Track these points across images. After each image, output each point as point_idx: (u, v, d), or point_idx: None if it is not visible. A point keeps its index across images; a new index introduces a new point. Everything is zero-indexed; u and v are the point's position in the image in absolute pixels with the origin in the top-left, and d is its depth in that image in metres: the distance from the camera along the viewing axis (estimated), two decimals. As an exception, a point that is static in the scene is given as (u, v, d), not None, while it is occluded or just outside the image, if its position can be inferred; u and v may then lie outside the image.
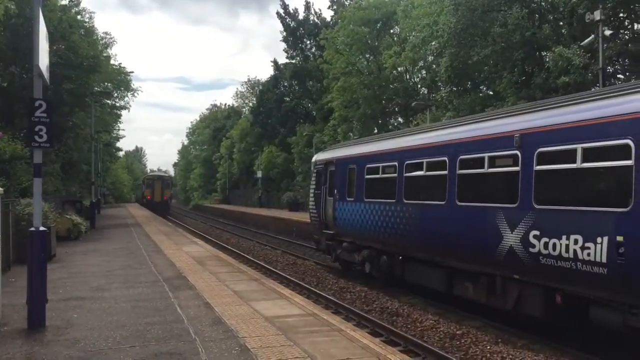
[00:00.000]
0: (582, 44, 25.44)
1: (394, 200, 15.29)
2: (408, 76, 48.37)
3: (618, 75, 29.55)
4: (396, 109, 48.48)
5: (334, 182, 19.75)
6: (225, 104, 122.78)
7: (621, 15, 29.73)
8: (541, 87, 27.57)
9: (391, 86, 47.32)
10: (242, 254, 26.02)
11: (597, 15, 22.93)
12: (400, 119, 48.79)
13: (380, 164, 16.46)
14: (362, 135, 40.35)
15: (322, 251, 22.18)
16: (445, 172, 13.11)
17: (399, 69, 46.60)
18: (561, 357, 10.17)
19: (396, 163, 15.45)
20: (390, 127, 47.82)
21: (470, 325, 12.45)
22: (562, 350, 10.56)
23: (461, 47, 31.00)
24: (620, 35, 29.84)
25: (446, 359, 10.05)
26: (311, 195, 22.46)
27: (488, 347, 10.66)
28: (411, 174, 14.82)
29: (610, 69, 28.94)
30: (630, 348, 9.86)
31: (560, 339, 10.95)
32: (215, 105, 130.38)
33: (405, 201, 14.78)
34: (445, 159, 13.19)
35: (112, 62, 50.85)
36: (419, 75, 48.00)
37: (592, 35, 24.26)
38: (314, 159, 22.94)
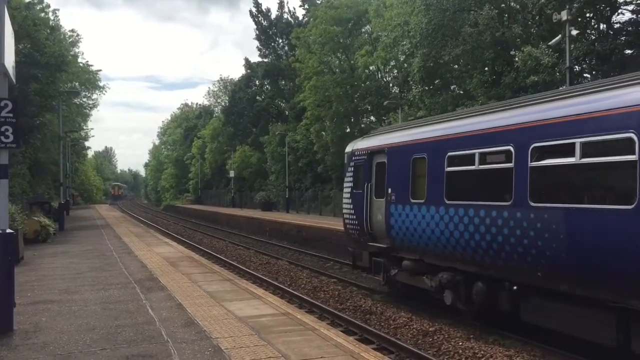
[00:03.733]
0: (550, 43, 25.94)
1: (507, 203, 10.46)
2: (380, 75, 48.58)
3: (585, 75, 30.18)
4: (368, 107, 48.66)
5: (386, 177, 14.67)
6: (197, 103, 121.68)
7: (587, 15, 30.39)
8: (510, 86, 27.96)
9: (363, 85, 47.48)
10: (215, 254, 25.83)
11: (564, 15, 23.40)
12: (372, 118, 49.00)
13: (477, 150, 11.41)
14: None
15: (364, 270, 16.94)
16: (635, 156, 8.20)
17: (371, 68, 46.75)
18: (531, 352, 10.34)
19: (512, 147, 10.48)
20: (363, 126, 47.95)
21: (442, 322, 12.58)
22: (532, 344, 10.74)
23: (433, 47, 31.27)
24: (586, 35, 30.57)
25: (419, 355, 10.14)
26: (346, 195, 17.12)
27: (460, 343, 10.78)
28: (549, 162, 9.84)
29: (577, 68, 29.50)
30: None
31: (531, 335, 11.12)
32: (186, 105, 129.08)
33: (534, 204, 9.87)
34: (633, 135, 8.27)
35: (79, 60, 50.00)
36: (391, 74, 48.25)
37: (560, 35, 24.79)
38: (349, 149, 17.47)
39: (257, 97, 71.00)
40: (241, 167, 70.22)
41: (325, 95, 48.26)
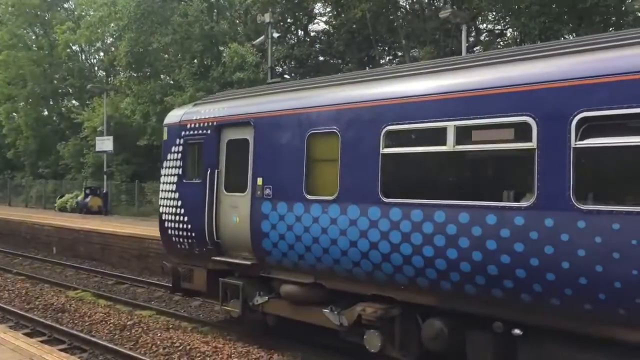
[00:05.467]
0: (254, 43, 27.29)
1: (524, 204, 6.50)
2: (84, 57, 45.37)
3: (285, 76, 32.29)
4: (70, 90, 45.02)
5: (252, 163, 9.82)
6: None
7: (289, 20, 33.03)
8: (218, 80, 28.61)
9: (65, 65, 43.71)
10: None
11: (267, 17, 24.88)
12: (74, 102, 45.43)
13: (456, 122, 7.12)
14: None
15: (193, 294, 11.99)
16: None
17: (73, 47, 43.34)
18: (227, 336, 10.71)
19: (531, 119, 6.47)
20: (63, 109, 44.11)
21: (141, 315, 12.24)
22: (229, 330, 11.15)
23: (141, 32, 30.38)
24: (287, 39, 33.25)
25: (114, 350, 9.68)
26: (168, 187, 11.46)
27: (159, 334, 10.60)
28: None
29: (279, 69, 31.66)
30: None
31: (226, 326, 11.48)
32: None
33: (582, 206, 6.07)
34: None
35: None
36: (97, 56, 45.44)
37: (263, 36, 26.23)
38: (173, 120, 11.73)
39: None
40: None
41: (19, 73, 43.16)
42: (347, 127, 8.34)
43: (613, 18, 23.31)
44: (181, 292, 11.83)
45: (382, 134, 7.87)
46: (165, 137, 11.73)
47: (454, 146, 7.13)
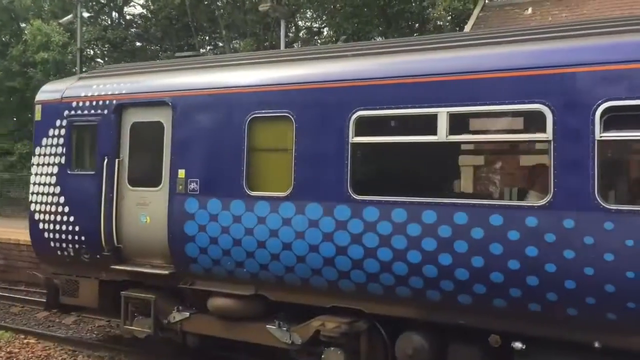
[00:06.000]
0: (61, 21, 25.39)
1: (538, 203, 5.84)
2: None
3: (97, 59, 31.07)
4: None
5: (170, 150, 8.05)
6: None
7: (102, 0, 31.89)
8: (18, 59, 26.43)
9: None
10: None
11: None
12: None
13: (449, 108, 6.26)
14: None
15: (78, 310, 10.30)
16: None
17: None
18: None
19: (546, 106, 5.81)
20: None
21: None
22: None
23: None
24: (100, 21, 31.90)
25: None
26: (44, 180, 9.12)
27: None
28: None
29: (90, 52, 30.45)
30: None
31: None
32: None
33: (610, 205, 5.56)
34: None
35: None
36: None
37: (72, 15, 24.40)
38: (51, 96, 9.35)
39: None
40: None
41: None
42: (304, 110, 7.04)
43: (417, 24, 25.48)
44: (58, 309, 9.78)
45: (352, 120, 6.73)
46: (38, 117, 9.40)
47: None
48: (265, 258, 7.16)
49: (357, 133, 6.70)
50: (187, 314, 8.07)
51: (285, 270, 7.07)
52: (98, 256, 8.49)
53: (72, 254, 8.80)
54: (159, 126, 8.18)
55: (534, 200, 6.01)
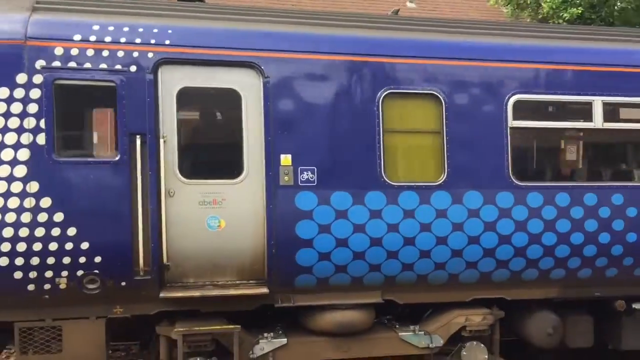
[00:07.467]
0: None
1: None
2: None
3: None
4: None
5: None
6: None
7: None
8: None
9: None
10: None
11: None
12: None
13: None
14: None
15: None
16: None
17: None
18: None
19: None
20: None
21: None
22: None
23: None
24: None
25: None
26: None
27: None
28: None
29: None
30: None
31: None
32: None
33: None
34: None
35: None
36: None
37: None
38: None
39: None
40: None
41: None
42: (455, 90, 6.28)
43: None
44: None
45: (510, 103, 6.43)
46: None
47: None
48: (412, 256, 6.09)
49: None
50: (284, 340, 6.12)
51: (434, 267, 6.22)
52: (123, 283, 5.63)
53: (61, 286, 5.50)
54: (231, 96, 5.93)
55: None
